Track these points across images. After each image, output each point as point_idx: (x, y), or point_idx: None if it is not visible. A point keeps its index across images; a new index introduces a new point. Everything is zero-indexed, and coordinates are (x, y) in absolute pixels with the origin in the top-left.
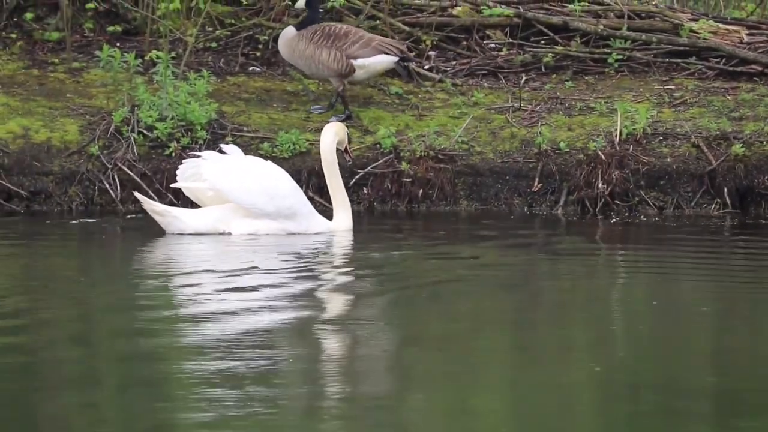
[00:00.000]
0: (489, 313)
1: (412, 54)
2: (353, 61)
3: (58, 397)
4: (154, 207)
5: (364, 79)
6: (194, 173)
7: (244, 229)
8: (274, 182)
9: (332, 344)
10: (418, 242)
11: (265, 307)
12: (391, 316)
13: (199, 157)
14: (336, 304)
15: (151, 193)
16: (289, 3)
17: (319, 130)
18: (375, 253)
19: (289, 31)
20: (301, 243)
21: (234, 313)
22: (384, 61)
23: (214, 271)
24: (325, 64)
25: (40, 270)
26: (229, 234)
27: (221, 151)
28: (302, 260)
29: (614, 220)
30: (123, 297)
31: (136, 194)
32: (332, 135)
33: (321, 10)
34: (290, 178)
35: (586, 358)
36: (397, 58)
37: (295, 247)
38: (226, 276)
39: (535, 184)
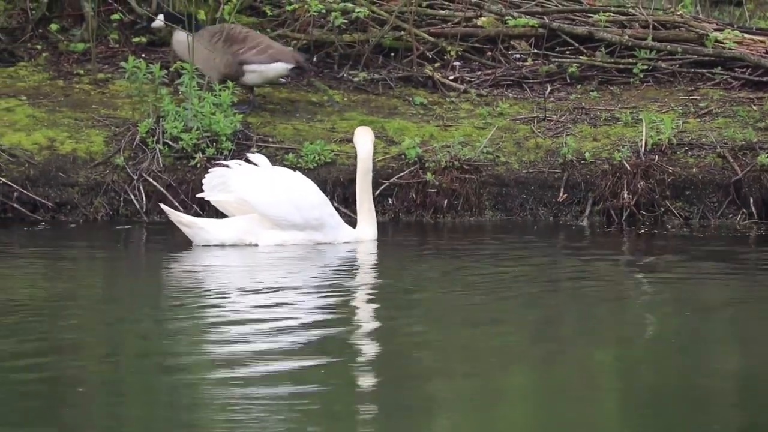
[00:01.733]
0: (519, 325)
1: (307, 60)
2: (246, 66)
3: (87, 411)
4: (180, 218)
5: (257, 84)
6: (221, 183)
7: (271, 240)
8: (302, 193)
9: (366, 356)
10: (443, 252)
11: (295, 320)
12: (419, 327)
13: (225, 166)
14: (366, 316)
15: (177, 204)
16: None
17: (344, 141)
18: (402, 263)
19: (181, 36)
20: (329, 253)
21: (264, 326)
22: (279, 68)
23: (243, 284)
24: (216, 66)
25: (66, 284)
26: (256, 245)
27: (249, 161)
28: (331, 271)
29: (642, 230)
30: (149, 310)
31: (162, 206)
32: (370, 141)
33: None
34: (317, 188)
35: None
36: (291, 66)
37: (323, 257)
38: (256, 289)
39: (561, 194)
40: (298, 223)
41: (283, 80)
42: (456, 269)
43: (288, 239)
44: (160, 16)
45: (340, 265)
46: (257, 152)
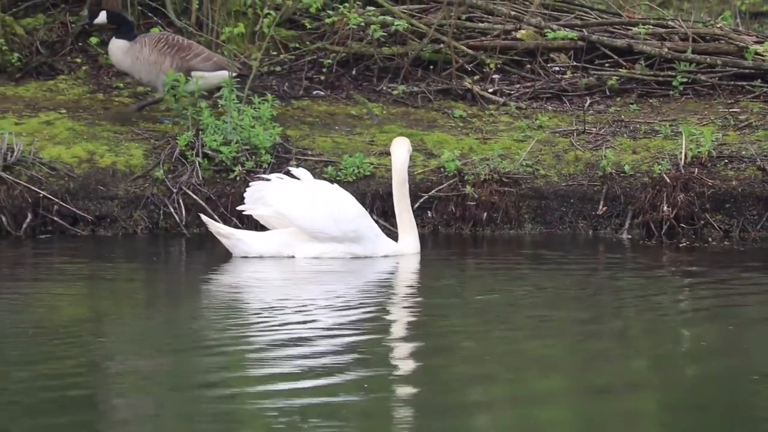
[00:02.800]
0: (560, 337)
1: (245, 68)
2: (194, 73)
3: (131, 428)
4: (219, 229)
5: (199, 90)
6: (260, 197)
7: (309, 253)
8: (339, 206)
9: (407, 370)
10: (484, 266)
11: (335, 334)
12: (461, 342)
13: (266, 180)
14: (405, 330)
15: (216, 217)
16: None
17: (383, 154)
18: (443, 277)
19: (120, 42)
20: (368, 266)
21: (305, 340)
22: (222, 76)
23: (282, 298)
24: (165, 72)
25: (107, 299)
26: (293, 257)
27: (290, 174)
28: (369, 284)
29: (682, 243)
30: (190, 325)
31: (202, 216)
32: (405, 151)
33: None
34: (355, 200)
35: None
36: (234, 74)
37: (362, 270)
38: (296, 302)
39: (600, 207)
40: (336, 235)
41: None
42: (497, 282)
43: (326, 252)
44: (103, 14)
45: (378, 279)
46: (296, 166)
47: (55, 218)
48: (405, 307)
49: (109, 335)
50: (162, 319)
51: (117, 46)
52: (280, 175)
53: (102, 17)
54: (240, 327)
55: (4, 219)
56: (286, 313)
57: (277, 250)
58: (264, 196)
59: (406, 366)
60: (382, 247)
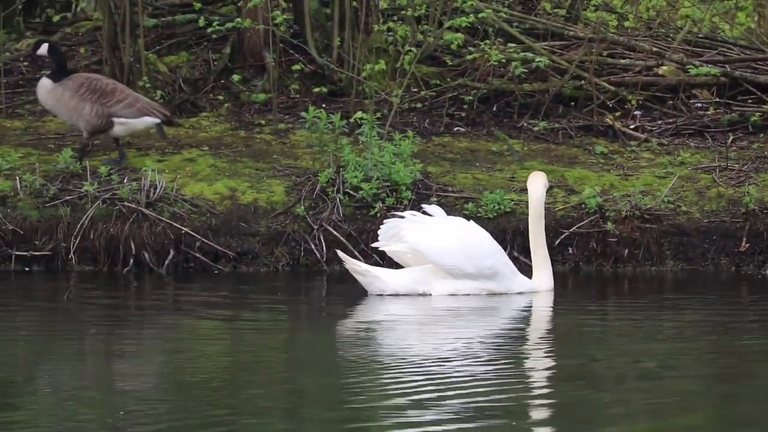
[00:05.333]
0: (696, 379)
1: (174, 116)
2: (114, 119)
3: None
4: (355, 266)
5: (124, 135)
6: (395, 234)
7: (444, 290)
8: (474, 242)
9: (542, 413)
10: (622, 305)
11: (470, 375)
12: (595, 380)
13: (400, 217)
14: (539, 370)
15: (357, 254)
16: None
17: (524, 190)
18: (577, 315)
19: (46, 82)
20: (503, 304)
21: (441, 382)
22: (147, 122)
23: (417, 337)
24: (85, 117)
25: (249, 341)
26: (430, 295)
27: (424, 212)
28: (506, 322)
29: None
30: (327, 367)
31: (339, 253)
32: (542, 186)
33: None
34: (490, 237)
35: None
36: (159, 121)
37: (498, 308)
38: (434, 339)
39: (743, 244)
40: (471, 272)
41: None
42: (635, 322)
43: (461, 288)
44: (44, 46)
45: (513, 317)
46: (436, 202)
47: (197, 255)
48: (538, 347)
49: (248, 378)
50: (300, 360)
51: (42, 85)
52: (414, 212)
53: (43, 49)
54: (375, 367)
55: (146, 255)
56: (421, 353)
57: (411, 288)
58: (399, 232)
59: (541, 408)
60: (517, 284)
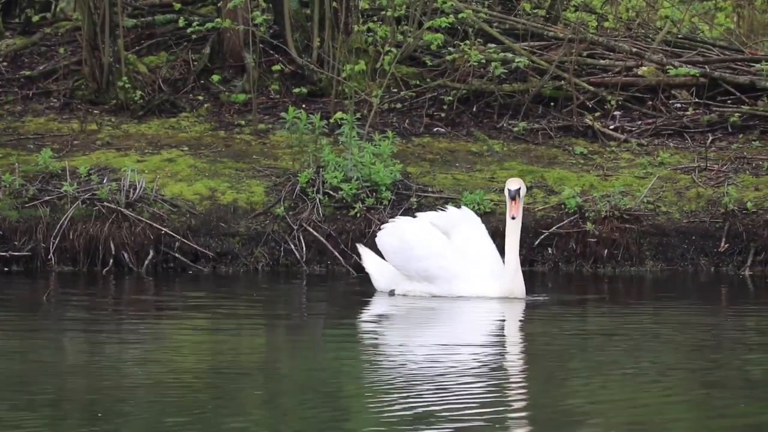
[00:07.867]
0: (681, 380)
1: None
2: None
3: None
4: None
5: None
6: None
7: (401, 290)
8: (411, 244)
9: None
10: (601, 306)
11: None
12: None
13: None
14: (513, 371)
15: (337, 254)
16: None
17: (503, 191)
18: (552, 318)
19: None
20: (471, 307)
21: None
22: None
23: (396, 334)
24: None
25: (230, 342)
26: (395, 294)
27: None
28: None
29: None
30: (308, 365)
31: (359, 246)
32: (523, 188)
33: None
34: (437, 238)
35: None
36: None
37: (466, 311)
38: (404, 340)
39: (722, 244)
40: (410, 274)
41: None
42: (614, 322)
43: (410, 290)
44: None
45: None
46: (416, 203)
47: (177, 255)
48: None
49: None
50: (286, 365)
51: None
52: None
53: None
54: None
55: (126, 256)
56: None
57: (386, 286)
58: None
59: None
60: (458, 288)
